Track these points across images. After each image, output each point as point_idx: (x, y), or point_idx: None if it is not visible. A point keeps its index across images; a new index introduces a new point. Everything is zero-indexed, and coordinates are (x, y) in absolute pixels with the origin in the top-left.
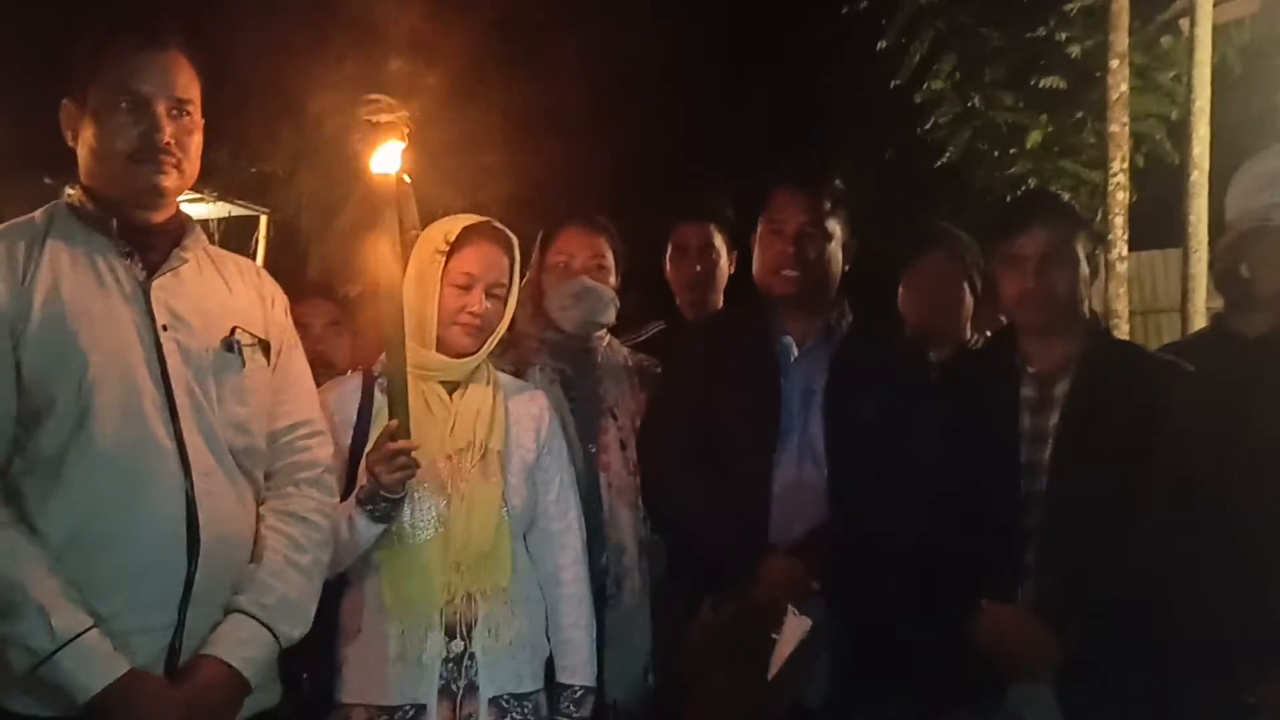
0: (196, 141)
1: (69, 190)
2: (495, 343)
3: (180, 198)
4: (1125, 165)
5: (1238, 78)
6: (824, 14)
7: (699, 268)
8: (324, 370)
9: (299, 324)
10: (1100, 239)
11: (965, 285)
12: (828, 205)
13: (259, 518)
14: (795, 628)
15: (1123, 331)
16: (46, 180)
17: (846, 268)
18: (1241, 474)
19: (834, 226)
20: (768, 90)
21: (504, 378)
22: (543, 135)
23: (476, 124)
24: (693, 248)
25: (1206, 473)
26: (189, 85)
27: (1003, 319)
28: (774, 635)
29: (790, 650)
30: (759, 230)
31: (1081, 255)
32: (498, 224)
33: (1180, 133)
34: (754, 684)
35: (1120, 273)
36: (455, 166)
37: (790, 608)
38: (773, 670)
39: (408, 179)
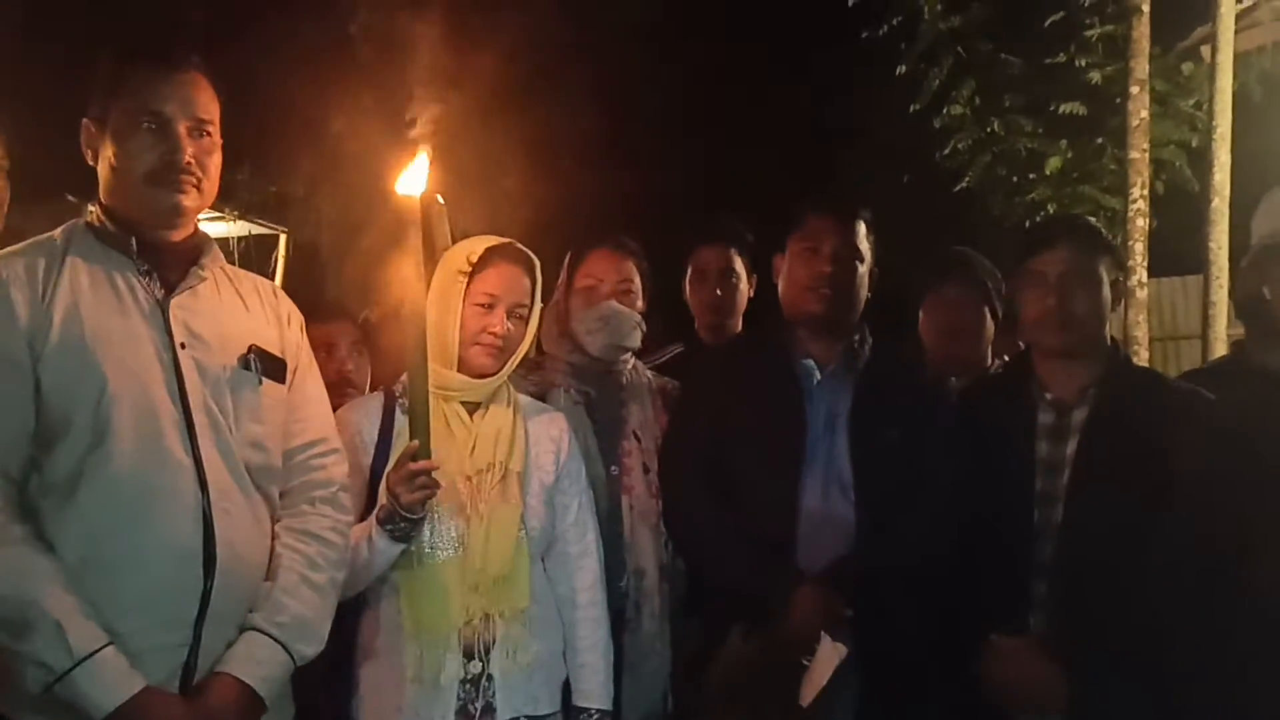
0: (216, 161)
1: (90, 209)
2: (516, 364)
3: (200, 216)
4: (1145, 192)
5: (1259, 104)
6: (843, 40)
7: (719, 291)
8: (349, 392)
9: (325, 344)
10: (1120, 265)
11: (986, 311)
12: (861, 229)
13: (274, 536)
14: (831, 655)
15: (1142, 358)
16: (69, 198)
17: (868, 295)
18: (1259, 507)
19: (865, 251)
20: (786, 116)
21: (524, 399)
22: (563, 160)
23: (498, 148)
24: (713, 271)
25: (1225, 505)
26: (209, 105)
27: (1021, 345)
28: (805, 662)
29: (826, 677)
30: (790, 250)
31: (1105, 279)
32: (520, 245)
33: (1201, 159)
34: (784, 713)
35: (1140, 299)
36: (476, 189)
37: (824, 635)
38: (806, 698)
39: (441, 200)
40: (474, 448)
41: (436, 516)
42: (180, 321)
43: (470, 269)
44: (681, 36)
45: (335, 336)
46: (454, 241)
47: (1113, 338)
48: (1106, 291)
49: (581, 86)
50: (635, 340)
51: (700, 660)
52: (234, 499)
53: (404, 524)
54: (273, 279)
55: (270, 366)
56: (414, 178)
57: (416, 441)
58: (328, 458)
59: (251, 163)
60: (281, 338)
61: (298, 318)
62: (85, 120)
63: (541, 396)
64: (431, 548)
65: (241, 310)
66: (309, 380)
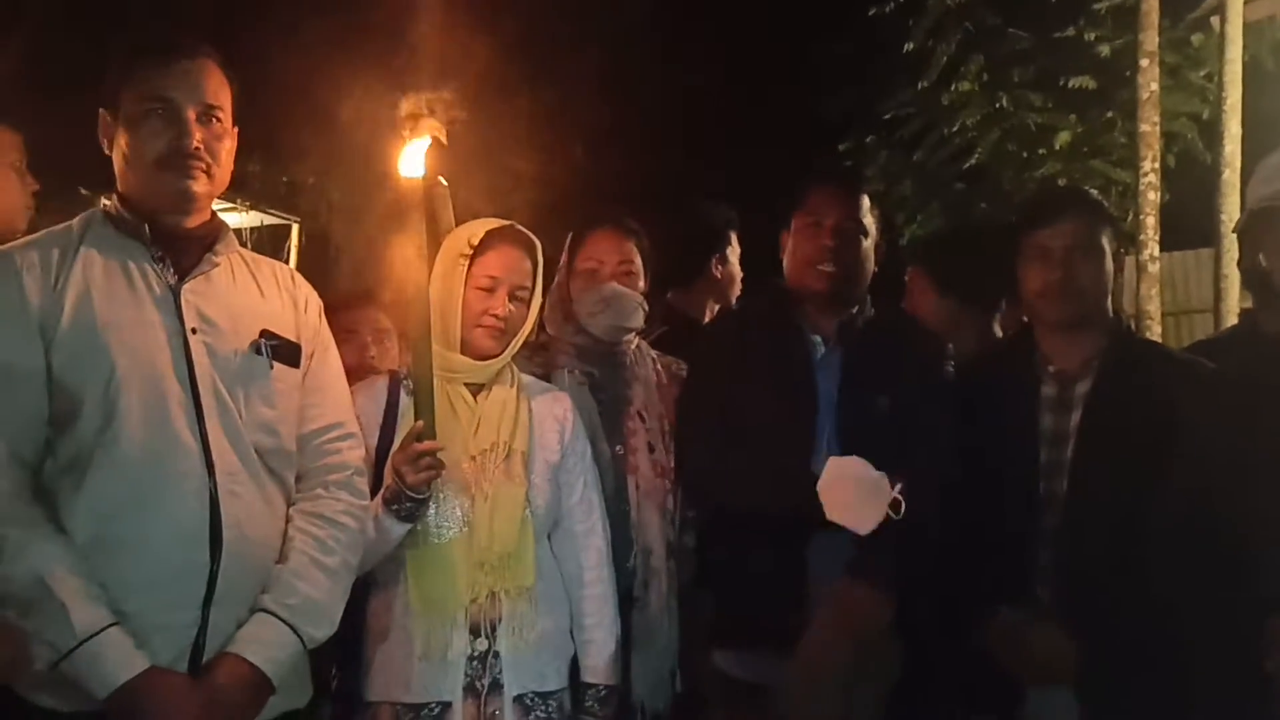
0: (227, 147)
1: (104, 200)
2: (519, 345)
3: (213, 206)
4: (1156, 165)
5: (1269, 75)
6: (851, 17)
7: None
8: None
9: (348, 331)
10: (1131, 239)
11: None
12: (865, 204)
13: (288, 519)
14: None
15: (1155, 333)
16: (83, 191)
17: (875, 269)
18: (1263, 475)
19: (869, 224)
20: (795, 94)
21: (528, 380)
22: (571, 144)
23: (506, 132)
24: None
25: (1228, 474)
26: (218, 91)
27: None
28: None
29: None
30: (794, 226)
31: (1108, 250)
32: (521, 227)
33: (1212, 131)
34: None
35: (1152, 273)
36: (485, 174)
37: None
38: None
39: (444, 182)
40: (478, 428)
41: (441, 496)
42: (192, 307)
43: (472, 252)
44: (687, 18)
45: (356, 323)
46: (457, 224)
47: (1115, 309)
48: (1109, 263)
49: (589, 72)
50: (638, 320)
51: (706, 637)
52: (243, 482)
53: (409, 504)
54: None
55: (283, 351)
56: (416, 161)
57: (421, 422)
58: (344, 442)
59: (262, 153)
60: (298, 322)
61: (316, 302)
62: (100, 110)
63: (546, 378)
64: (437, 527)
65: (256, 295)
66: (327, 365)
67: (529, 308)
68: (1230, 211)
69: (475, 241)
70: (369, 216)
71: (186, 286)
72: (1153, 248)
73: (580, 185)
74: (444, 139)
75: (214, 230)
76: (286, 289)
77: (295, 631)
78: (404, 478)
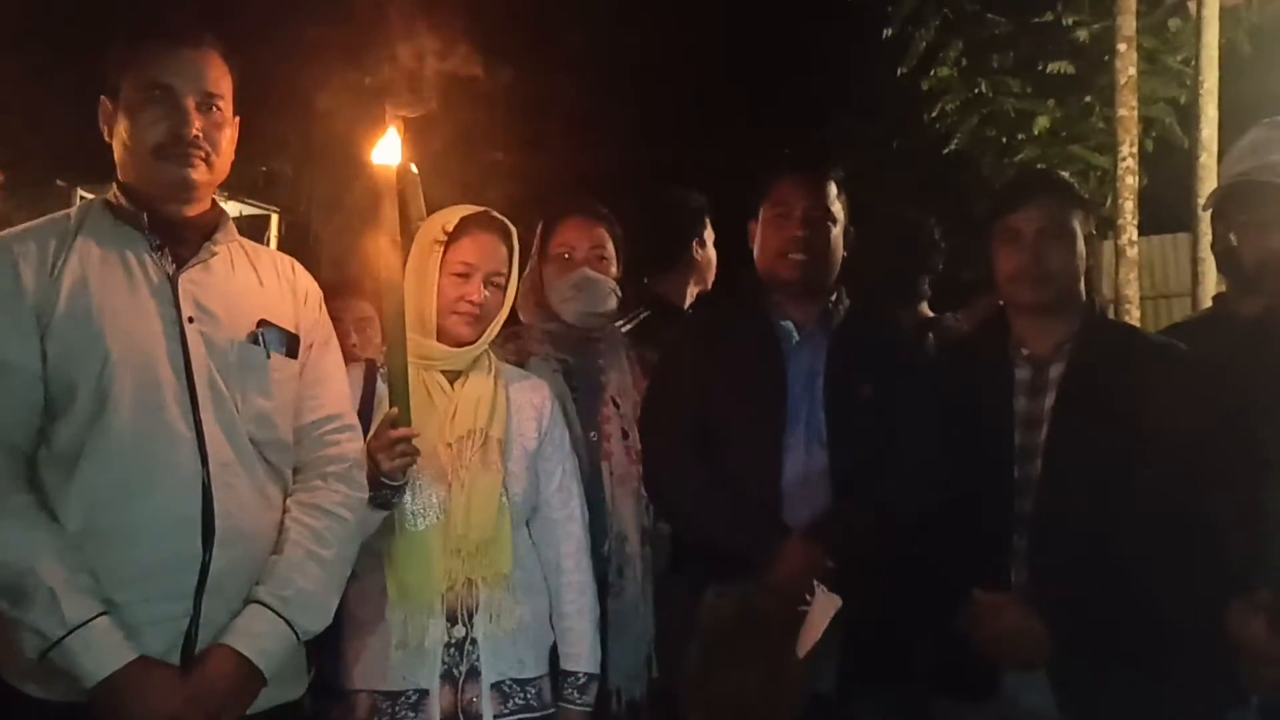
0: (228, 136)
1: (89, 194)
2: (495, 332)
3: None
4: (1134, 149)
5: (1246, 59)
6: (830, 3)
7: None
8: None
9: (330, 319)
10: (1110, 224)
11: None
12: (832, 191)
13: (285, 510)
14: (827, 606)
15: (1134, 317)
16: (59, 183)
17: (845, 254)
18: (1234, 456)
19: (838, 211)
20: (774, 82)
21: (506, 367)
22: (550, 133)
23: (483, 122)
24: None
25: (1200, 455)
26: (219, 80)
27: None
28: (802, 609)
29: (823, 629)
30: (762, 216)
31: (1079, 233)
32: (496, 214)
33: (1189, 116)
34: (768, 669)
35: (1131, 258)
36: (463, 165)
37: (818, 585)
38: (803, 649)
39: (414, 169)
40: (455, 415)
41: (418, 484)
42: (189, 295)
43: (446, 238)
44: (666, 6)
45: (338, 312)
46: (428, 212)
47: (1089, 292)
48: (1081, 246)
49: (567, 59)
50: (611, 306)
51: (683, 623)
52: (237, 473)
53: (385, 491)
54: None
55: (280, 342)
56: (389, 149)
57: (396, 409)
58: (343, 434)
59: (241, 143)
60: (297, 313)
61: (316, 294)
62: (101, 98)
63: (520, 365)
64: (414, 515)
65: (255, 285)
66: (326, 356)
67: (505, 294)
68: (1207, 195)
69: (450, 228)
70: (348, 207)
71: (184, 275)
72: (1131, 232)
73: (558, 173)
74: (408, 125)
75: (214, 219)
76: (286, 279)
77: (288, 623)
78: (379, 465)
